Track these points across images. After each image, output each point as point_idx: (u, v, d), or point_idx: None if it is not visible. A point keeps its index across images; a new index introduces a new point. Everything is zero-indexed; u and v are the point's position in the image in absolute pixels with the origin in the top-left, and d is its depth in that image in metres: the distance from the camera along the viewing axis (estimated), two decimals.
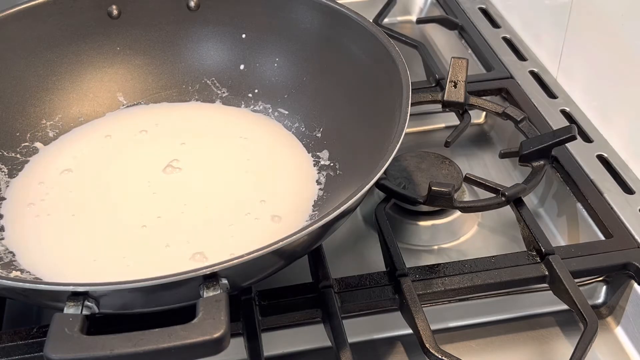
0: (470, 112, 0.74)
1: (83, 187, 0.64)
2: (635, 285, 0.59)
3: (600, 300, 0.62)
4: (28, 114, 0.68)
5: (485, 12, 0.93)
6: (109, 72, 0.73)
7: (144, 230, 0.60)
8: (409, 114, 0.55)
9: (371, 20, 0.67)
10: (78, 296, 0.44)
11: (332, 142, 0.66)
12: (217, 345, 0.42)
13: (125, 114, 0.72)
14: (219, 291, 0.44)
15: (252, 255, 0.45)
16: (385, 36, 0.63)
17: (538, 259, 0.60)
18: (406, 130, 0.53)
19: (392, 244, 0.60)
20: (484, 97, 0.75)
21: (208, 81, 0.74)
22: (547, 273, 0.58)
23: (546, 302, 0.60)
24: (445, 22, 0.91)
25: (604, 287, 0.62)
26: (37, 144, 0.68)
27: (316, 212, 0.61)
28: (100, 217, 0.61)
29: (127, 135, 0.70)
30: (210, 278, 0.44)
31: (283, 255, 0.49)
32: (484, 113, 0.80)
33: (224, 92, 0.74)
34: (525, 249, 0.62)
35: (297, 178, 0.65)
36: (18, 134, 0.68)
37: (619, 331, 0.60)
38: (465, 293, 0.58)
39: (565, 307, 0.58)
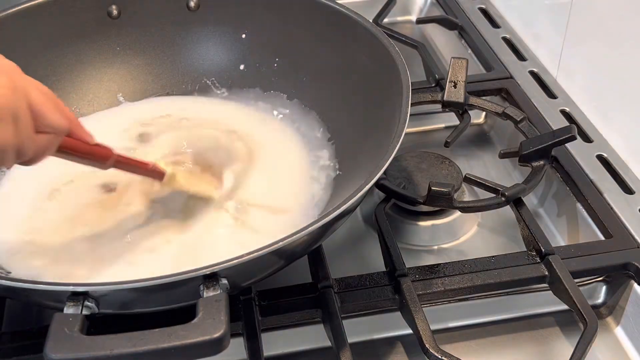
0: (470, 112, 0.74)
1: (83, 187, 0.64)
2: (635, 285, 0.59)
3: (600, 300, 0.62)
4: None
5: (485, 12, 0.93)
6: (109, 72, 0.73)
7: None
8: (409, 114, 0.55)
9: (371, 20, 0.67)
10: (78, 296, 0.44)
11: (332, 142, 0.66)
12: (217, 345, 0.42)
13: None
14: (219, 291, 0.44)
15: (252, 255, 0.45)
16: (385, 36, 0.63)
17: (538, 259, 0.60)
18: (406, 130, 0.53)
19: (392, 244, 0.60)
20: (483, 97, 0.75)
21: (208, 81, 0.74)
22: (547, 273, 0.58)
23: (546, 302, 0.60)
24: (445, 22, 0.91)
25: (604, 287, 0.62)
26: None
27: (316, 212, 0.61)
28: (100, 216, 0.61)
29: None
30: (210, 278, 0.44)
31: (283, 255, 0.49)
32: (484, 113, 0.80)
33: (224, 92, 0.74)
34: (525, 249, 0.62)
35: (298, 178, 0.65)
36: None
37: (618, 331, 0.60)
38: (465, 293, 0.58)
39: (565, 307, 0.58)
